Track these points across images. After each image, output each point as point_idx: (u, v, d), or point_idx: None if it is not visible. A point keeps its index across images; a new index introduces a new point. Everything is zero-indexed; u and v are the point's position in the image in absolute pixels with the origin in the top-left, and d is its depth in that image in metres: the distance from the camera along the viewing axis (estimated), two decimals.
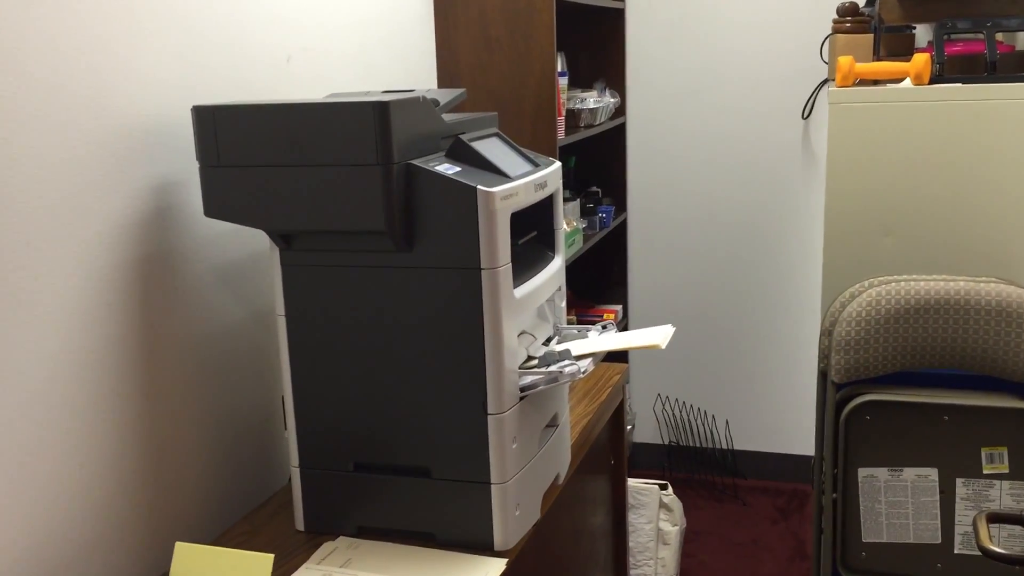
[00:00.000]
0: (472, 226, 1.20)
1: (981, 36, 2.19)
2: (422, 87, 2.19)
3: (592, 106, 2.73)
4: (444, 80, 2.30)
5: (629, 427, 3.27)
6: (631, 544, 2.38)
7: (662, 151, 3.26)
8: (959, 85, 2.11)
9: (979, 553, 1.52)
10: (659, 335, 1.34)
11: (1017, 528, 1.85)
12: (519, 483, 1.31)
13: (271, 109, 1.21)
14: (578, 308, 3.15)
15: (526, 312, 1.34)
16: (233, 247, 1.49)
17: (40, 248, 1.15)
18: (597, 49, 3.19)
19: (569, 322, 2.78)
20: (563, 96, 2.50)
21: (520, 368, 1.33)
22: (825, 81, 3.03)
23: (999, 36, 2.35)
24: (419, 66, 2.21)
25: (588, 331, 1.49)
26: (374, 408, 1.30)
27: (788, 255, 3.20)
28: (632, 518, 2.37)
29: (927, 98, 2.11)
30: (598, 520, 1.92)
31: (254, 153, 1.22)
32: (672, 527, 2.43)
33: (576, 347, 1.38)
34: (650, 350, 1.60)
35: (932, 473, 1.89)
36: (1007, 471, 1.86)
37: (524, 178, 1.29)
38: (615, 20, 3.17)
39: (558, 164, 1.45)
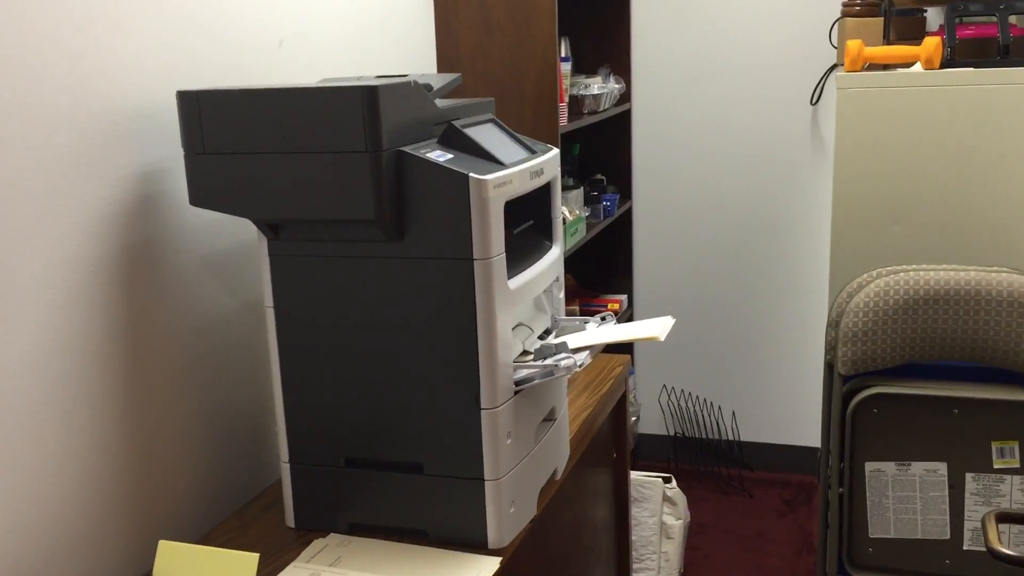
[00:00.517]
0: (464, 215, 1.16)
1: (994, 19, 2.14)
2: (420, 72, 2.15)
3: (596, 92, 2.69)
4: (444, 65, 2.26)
5: (634, 418, 3.23)
6: (634, 538, 2.34)
7: (668, 138, 3.21)
8: (971, 70, 2.06)
9: None
10: (658, 327, 1.30)
11: None
12: (514, 479, 1.28)
13: (257, 94, 1.18)
14: (582, 298, 3.11)
15: (521, 304, 1.30)
16: (222, 236, 1.46)
17: (17, 238, 1.12)
18: (602, 34, 3.14)
19: (571, 313, 2.74)
20: (566, 82, 2.46)
21: (515, 361, 1.29)
22: (834, 66, 2.98)
23: (1012, 19, 2.29)
24: (418, 51, 2.17)
25: (586, 323, 1.45)
26: (365, 402, 1.27)
27: (796, 244, 3.16)
28: (635, 511, 2.34)
29: (938, 83, 2.06)
30: (600, 514, 1.88)
31: (240, 140, 1.19)
32: (676, 521, 2.39)
33: (573, 340, 1.34)
34: (650, 342, 1.56)
35: (941, 467, 1.85)
36: (1018, 466, 1.82)
37: (519, 165, 1.25)
38: (620, 5, 3.12)
39: (556, 151, 1.41)
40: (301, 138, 1.16)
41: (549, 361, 1.27)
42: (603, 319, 1.46)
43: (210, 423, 1.45)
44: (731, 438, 3.36)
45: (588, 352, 1.30)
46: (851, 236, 2.13)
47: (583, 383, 1.84)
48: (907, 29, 2.48)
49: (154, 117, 1.32)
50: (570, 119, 2.51)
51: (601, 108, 2.77)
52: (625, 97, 3.12)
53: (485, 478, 1.24)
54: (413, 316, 1.22)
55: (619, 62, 3.14)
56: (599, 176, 3.08)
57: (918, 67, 2.13)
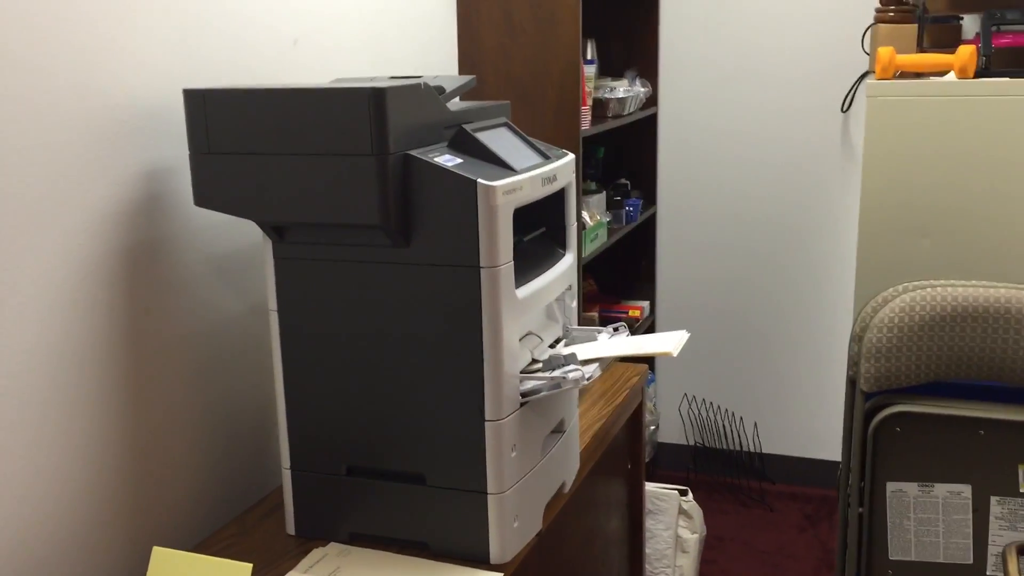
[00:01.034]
0: (472, 222, 1.13)
1: None
2: (441, 73, 2.12)
3: (621, 96, 2.65)
4: (465, 66, 2.23)
5: (653, 427, 3.19)
6: (648, 551, 2.30)
7: (694, 143, 3.16)
8: (1006, 80, 1.99)
9: None
10: (671, 341, 1.26)
11: None
12: (518, 493, 1.24)
13: (262, 94, 1.15)
14: (603, 304, 3.07)
15: (530, 312, 1.26)
16: (229, 237, 1.44)
17: (20, 237, 1.10)
18: (630, 37, 3.10)
19: (590, 319, 2.70)
20: (590, 85, 2.42)
21: (523, 371, 1.26)
22: (866, 73, 2.91)
23: None
24: (439, 51, 2.14)
25: (598, 333, 1.41)
26: (368, 410, 1.24)
27: (823, 254, 3.10)
28: (650, 524, 2.29)
29: (971, 93, 2.00)
30: (613, 526, 1.85)
31: (245, 140, 1.16)
32: (691, 535, 2.35)
33: (583, 351, 1.31)
34: (662, 356, 1.51)
35: (965, 490, 1.80)
36: None
37: (530, 172, 1.22)
38: (649, 7, 3.07)
39: (571, 157, 1.37)
40: (307, 140, 1.14)
41: (557, 373, 1.24)
42: (616, 330, 1.42)
43: (212, 427, 1.43)
44: (752, 450, 3.30)
45: (597, 364, 1.26)
46: (878, 248, 2.07)
47: (598, 392, 1.81)
48: (942, 36, 2.42)
49: (161, 116, 1.30)
50: (593, 122, 2.48)
51: (626, 112, 2.72)
52: (651, 101, 3.07)
53: (488, 491, 1.21)
54: (418, 324, 1.19)
55: (646, 65, 3.10)
56: (623, 180, 3.04)
57: (951, 76, 2.07)
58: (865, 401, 1.83)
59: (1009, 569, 1.20)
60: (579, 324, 1.49)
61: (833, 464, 3.19)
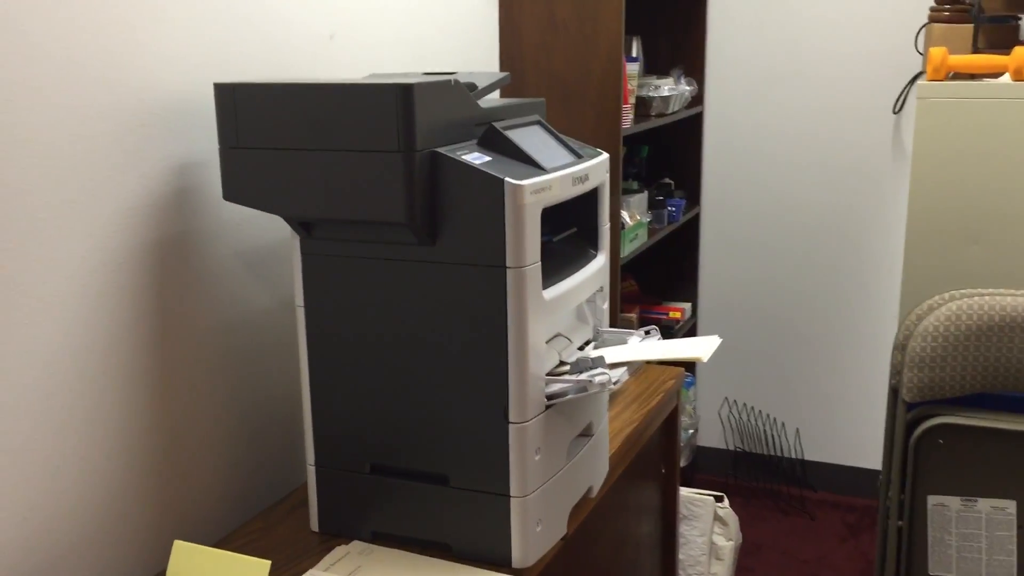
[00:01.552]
0: (498, 221, 1.11)
1: None
2: (480, 70, 2.10)
3: (665, 94, 2.61)
4: (506, 63, 2.21)
5: (692, 431, 3.14)
6: (681, 557, 2.27)
7: (740, 143, 3.11)
8: None
9: None
10: (702, 347, 1.23)
11: None
12: (542, 497, 1.22)
13: (290, 88, 1.15)
14: (643, 305, 3.03)
15: (558, 314, 1.24)
16: (258, 232, 1.44)
17: (49, 231, 1.11)
18: (677, 35, 3.05)
19: (627, 322, 2.67)
20: (632, 83, 2.38)
21: (550, 374, 1.24)
22: (919, 74, 2.84)
23: None
24: (479, 49, 2.13)
25: (629, 336, 1.38)
26: (392, 408, 1.23)
27: (871, 259, 3.02)
28: (684, 529, 2.26)
29: None
30: (645, 531, 1.82)
31: (273, 134, 1.16)
32: (727, 542, 2.31)
33: (611, 354, 1.28)
34: (694, 362, 1.46)
35: (1010, 506, 1.73)
36: None
37: (561, 171, 1.20)
38: (697, 4, 3.03)
39: (604, 156, 1.35)
40: (334, 135, 1.13)
41: (584, 376, 1.21)
42: (647, 333, 1.39)
43: (239, 421, 1.43)
44: (794, 456, 3.24)
45: (625, 368, 1.24)
46: (925, 254, 2.01)
47: (631, 395, 1.78)
48: (998, 37, 2.35)
49: (193, 110, 1.30)
50: (636, 121, 2.44)
51: (670, 111, 2.69)
52: (697, 100, 3.03)
53: (511, 494, 1.19)
54: (443, 323, 1.17)
55: (693, 64, 3.05)
56: (667, 180, 3.00)
57: (1006, 78, 2.00)
58: (907, 411, 1.78)
59: None
60: (616, 325, 1.47)
61: (878, 472, 3.12)
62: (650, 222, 2.72)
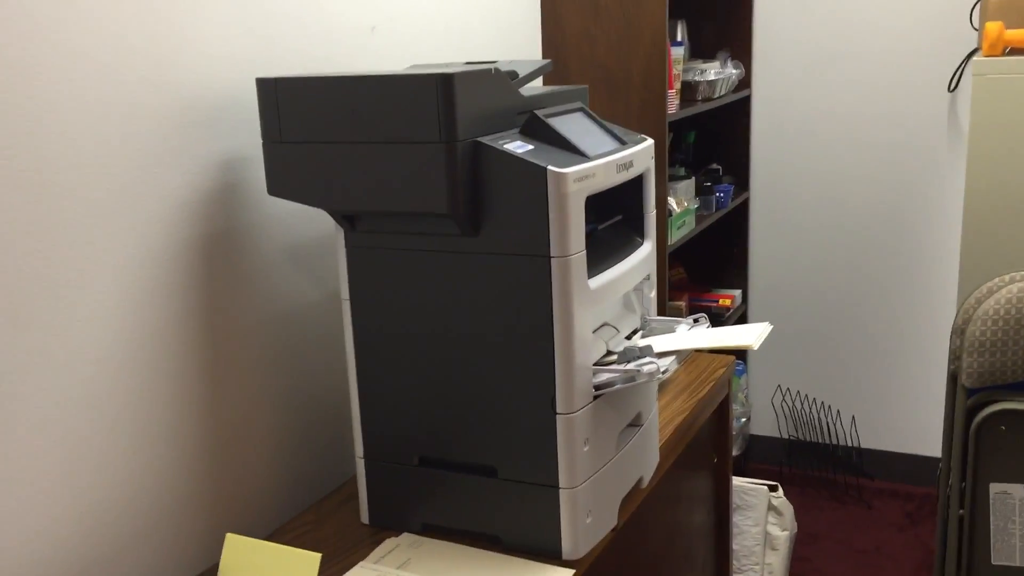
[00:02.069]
0: (542, 210, 1.10)
1: None
2: (521, 59, 2.09)
3: (712, 78, 2.57)
4: (549, 51, 2.19)
5: (744, 419, 3.10)
6: (735, 547, 2.24)
7: (789, 126, 3.05)
8: None
9: None
10: (752, 334, 1.21)
11: None
12: (591, 488, 1.21)
13: (332, 81, 1.14)
14: (692, 292, 3.00)
15: (604, 303, 1.23)
16: (304, 226, 1.44)
17: (97, 228, 1.12)
18: (723, 18, 3.00)
19: (675, 310, 2.64)
20: (678, 67, 2.35)
21: (597, 364, 1.22)
22: (975, 51, 2.76)
23: None
24: (522, 37, 2.11)
25: (677, 325, 1.36)
26: (439, 400, 1.23)
27: (928, 241, 2.95)
28: (737, 519, 2.23)
29: None
30: (697, 521, 1.80)
31: (316, 128, 1.16)
32: (781, 532, 2.27)
33: (660, 343, 1.27)
34: (743, 350, 1.43)
35: None
36: None
37: (604, 158, 1.18)
38: None
39: (649, 142, 1.33)
40: (376, 127, 1.13)
41: (631, 366, 1.20)
42: (696, 321, 1.37)
43: (290, 414, 1.44)
44: (850, 444, 3.18)
45: (674, 357, 1.22)
46: (983, 236, 1.96)
47: (682, 384, 1.76)
48: None
49: (237, 106, 1.31)
50: (682, 106, 2.41)
51: (716, 95, 2.65)
52: (744, 83, 2.98)
53: (560, 486, 1.18)
54: (488, 314, 1.17)
55: (740, 47, 3.00)
56: (715, 166, 2.96)
57: None
58: (967, 397, 1.74)
59: None
60: (664, 314, 1.45)
61: (936, 460, 3.05)
62: (698, 208, 2.68)
